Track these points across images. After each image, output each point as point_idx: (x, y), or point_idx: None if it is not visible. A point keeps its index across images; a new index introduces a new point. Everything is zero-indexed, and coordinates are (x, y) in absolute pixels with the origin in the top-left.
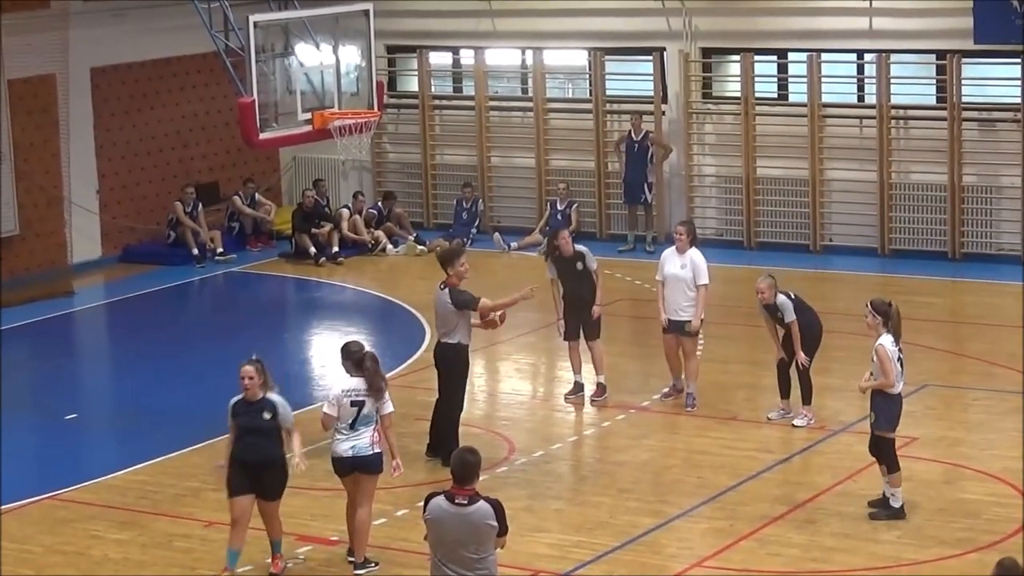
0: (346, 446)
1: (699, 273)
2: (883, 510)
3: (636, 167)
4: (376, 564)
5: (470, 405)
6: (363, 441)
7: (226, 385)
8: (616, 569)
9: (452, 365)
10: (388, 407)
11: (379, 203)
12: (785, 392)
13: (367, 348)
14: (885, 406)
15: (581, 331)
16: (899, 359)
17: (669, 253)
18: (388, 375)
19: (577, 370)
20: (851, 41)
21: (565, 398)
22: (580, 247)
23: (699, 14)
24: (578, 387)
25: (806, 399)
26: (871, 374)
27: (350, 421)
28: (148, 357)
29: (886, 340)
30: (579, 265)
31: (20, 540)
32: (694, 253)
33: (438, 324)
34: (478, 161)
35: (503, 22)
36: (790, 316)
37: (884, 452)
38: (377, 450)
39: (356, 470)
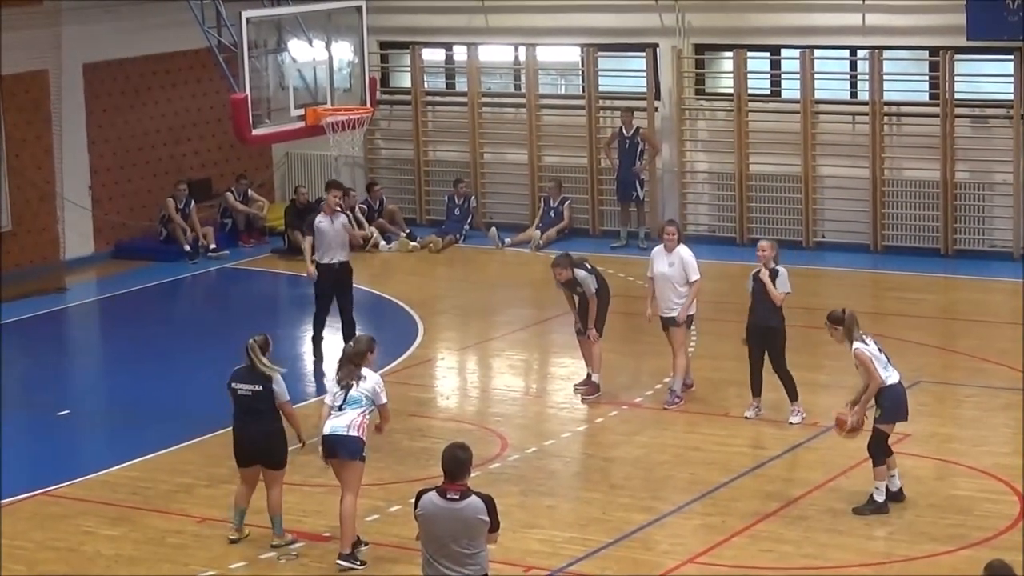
0: (328, 424)
1: (689, 270)
2: (867, 505)
3: (627, 164)
4: (363, 563)
5: (464, 401)
6: (342, 421)
7: (219, 381)
8: (608, 565)
9: (350, 280)
10: (382, 398)
11: (367, 197)
12: (757, 390)
13: (366, 342)
14: (887, 399)
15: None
16: (879, 349)
17: (658, 251)
18: (380, 371)
19: (587, 362)
20: (844, 37)
21: (575, 388)
22: (580, 273)
23: (692, 10)
24: (589, 377)
25: (793, 396)
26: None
27: (339, 403)
28: (140, 353)
29: (858, 344)
30: (579, 288)
31: (12, 536)
32: (682, 250)
33: (338, 248)
34: (471, 157)
35: (496, 18)
36: (785, 287)
37: (874, 444)
38: (355, 433)
39: (335, 452)
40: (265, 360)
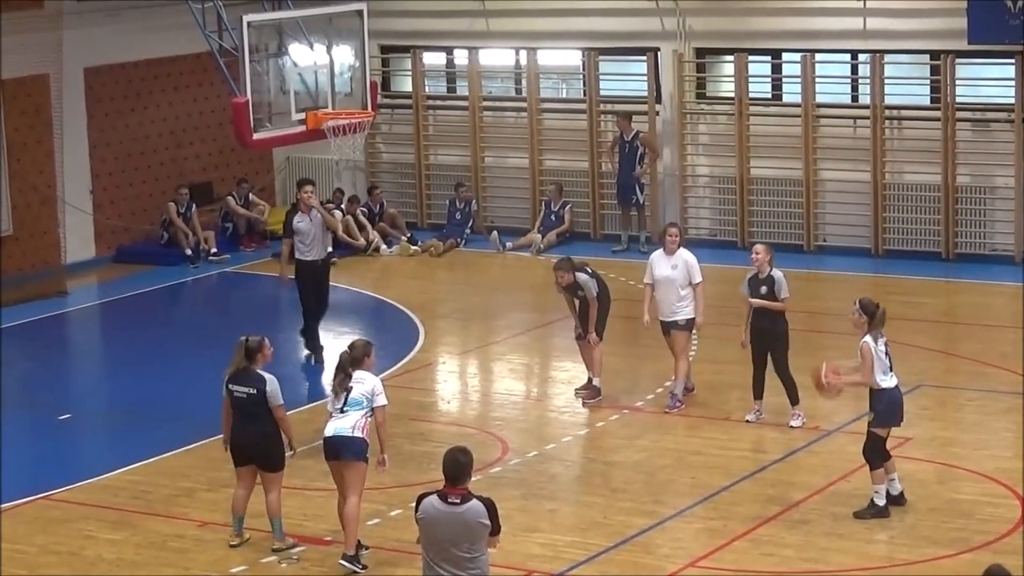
0: (331, 426)
1: (693, 272)
2: (868, 509)
3: (626, 168)
4: (365, 567)
5: (464, 405)
6: (346, 422)
7: (220, 385)
8: (609, 569)
9: (328, 274)
10: (380, 400)
11: (368, 201)
12: (758, 394)
13: (362, 347)
14: (882, 403)
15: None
16: (886, 353)
17: (658, 256)
18: (381, 375)
19: (588, 366)
20: (845, 41)
21: (576, 392)
22: (582, 277)
23: (693, 14)
24: (590, 381)
25: (794, 399)
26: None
27: (340, 405)
28: (142, 357)
29: (869, 339)
30: (580, 292)
31: (13, 540)
32: (685, 253)
33: (318, 245)
34: (472, 161)
35: (497, 22)
36: (785, 292)
37: (869, 448)
38: (359, 435)
39: (339, 454)
40: (234, 364)
